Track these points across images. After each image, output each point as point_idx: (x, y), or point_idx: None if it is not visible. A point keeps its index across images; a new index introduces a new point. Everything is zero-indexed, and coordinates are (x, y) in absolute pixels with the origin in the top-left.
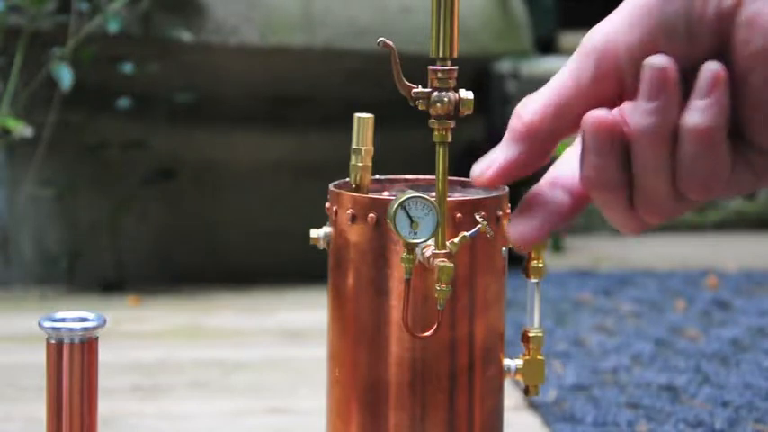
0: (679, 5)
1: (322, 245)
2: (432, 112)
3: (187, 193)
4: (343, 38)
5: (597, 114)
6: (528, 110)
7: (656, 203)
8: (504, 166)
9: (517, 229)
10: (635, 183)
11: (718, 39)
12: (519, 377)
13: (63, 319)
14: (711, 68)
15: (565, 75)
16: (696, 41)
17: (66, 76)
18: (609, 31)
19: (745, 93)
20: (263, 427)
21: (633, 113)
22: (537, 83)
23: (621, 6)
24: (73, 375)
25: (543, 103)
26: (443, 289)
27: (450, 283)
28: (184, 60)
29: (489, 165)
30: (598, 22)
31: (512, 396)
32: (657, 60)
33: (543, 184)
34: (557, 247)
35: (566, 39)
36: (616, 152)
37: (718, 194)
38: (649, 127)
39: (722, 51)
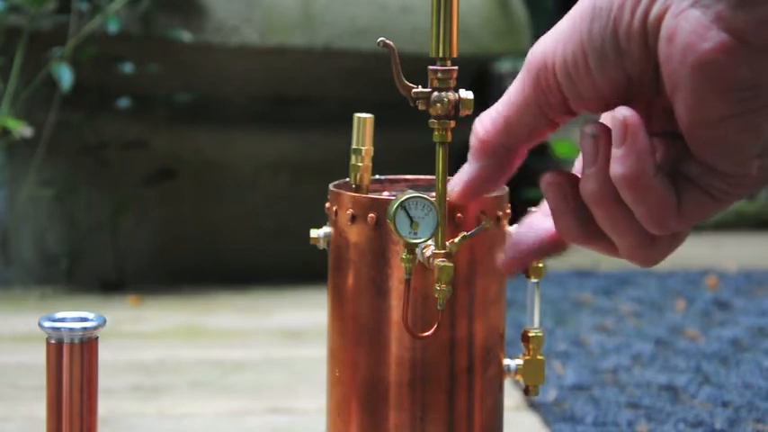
0: (605, 23)
1: (322, 245)
2: (432, 112)
3: (187, 193)
4: (342, 38)
5: (550, 174)
6: (482, 126)
7: (631, 251)
8: (467, 182)
9: (501, 259)
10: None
11: (649, 55)
12: (519, 377)
13: (63, 319)
14: (619, 116)
15: (512, 89)
16: (626, 58)
17: (66, 76)
18: (546, 48)
19: (677, 112)
20: (263, 427)
21: (581, 178)
22: None
23: (559, 23)
24: (73, 375)
25: (495, 118)
26: (443, 289)
27: (450, 283)
28: (184, 60)
29: (457, 182)
30: None
31: (512, 396)
32: (590, 129)
33: (538, 213)
34: None
35: None
36: (572, 210)
37: (679, 226)
38: (592, 191)
39: (656, 66)
